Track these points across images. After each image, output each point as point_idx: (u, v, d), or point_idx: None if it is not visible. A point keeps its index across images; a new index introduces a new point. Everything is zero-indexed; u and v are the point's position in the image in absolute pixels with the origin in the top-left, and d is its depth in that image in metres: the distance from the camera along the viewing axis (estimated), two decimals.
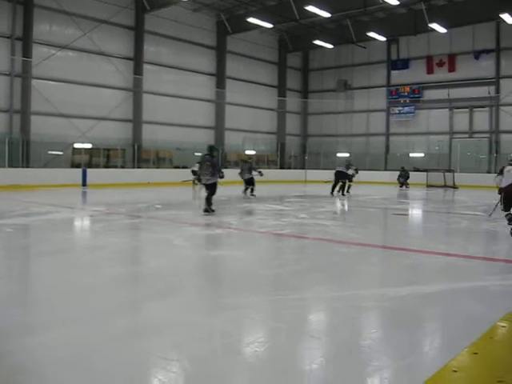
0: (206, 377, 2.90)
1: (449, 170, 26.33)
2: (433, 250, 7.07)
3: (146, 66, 26.31)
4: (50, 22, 22.80)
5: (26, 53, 21.91)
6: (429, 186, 25.82)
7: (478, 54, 28.83)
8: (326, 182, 21.25)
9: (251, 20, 25.90)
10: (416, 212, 14.95)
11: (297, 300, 4.46)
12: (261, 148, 32.64)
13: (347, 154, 32.93)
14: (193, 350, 3.26)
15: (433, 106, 30.84)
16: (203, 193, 11.90)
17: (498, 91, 28.38)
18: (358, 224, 11.20)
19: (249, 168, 17.24)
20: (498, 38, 28.05)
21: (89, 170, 22.21)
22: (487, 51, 28.51)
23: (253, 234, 9.02)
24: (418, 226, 11.63)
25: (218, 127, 30.41)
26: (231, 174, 16.74)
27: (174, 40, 27.67)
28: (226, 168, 20.66)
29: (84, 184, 21.52)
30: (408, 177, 25.52)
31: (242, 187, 17.16)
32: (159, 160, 27.06)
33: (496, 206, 9.23)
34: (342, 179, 18.42)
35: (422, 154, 31.17)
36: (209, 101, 30.04)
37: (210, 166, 11.02)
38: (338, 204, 15.94)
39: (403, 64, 32.03)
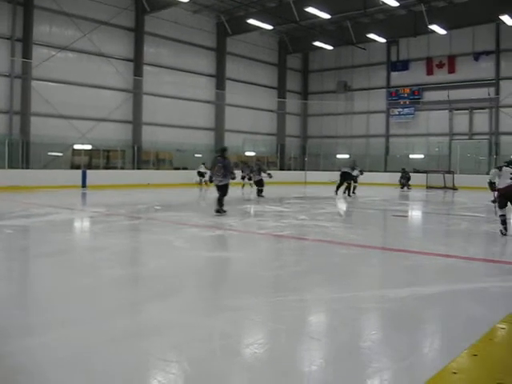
0: (205, 378, 2.90)
1: (448, 172, 26.34)
2: (433, 252, 7.07)
3: (145, 68, 26.32)
4: (49, 24, 22.82)
5: (26, 54, 21.93)
6: (428, 187, 25.84)
7: (477, 56, 28.88)
8: (331, 182, 21.30)
9: (251, 21, 25.93)
10: (416, 213, 14.94)
11: (297, 301, 4.46)
12: (261, 149, 32.64)
13: (347, 156, 32.96)
14: (192, 351, 3.26)
15: (432, 107, 30.87)
16: (208, 194, 11.96)
17: (497, 93, 28.41)
18: (358, 225, 11.21)
19: (258, 169, 17.52)
20: (497, 39, 28.10)
21: (89, 172, 22.21)
22: (487, 53, 28.55)
23: (253, 235, 9.02)
24: (417, 228, 11.63)
25: (218, 128, 30.42)
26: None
27: (174, 41, 27.70)
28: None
29: (84, 185, 21.52)
30: (409, 178, 25.54)
31: (245, 188, 17.26)
32: (159, 161, 27.07)
33: (495, 206, 9.27)
34: (348, 180, 18.53)
35: (421, 156, 31.19)
36: (209, 102, 30.05)
37: (222, 167, 11.22)
38: (338, 205, 15.94)
39: (403, 65, 32.06)
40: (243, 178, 19.10)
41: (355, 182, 19.20)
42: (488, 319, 3.96)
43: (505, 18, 23.64)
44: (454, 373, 2.94)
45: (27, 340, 3.41)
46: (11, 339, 3.42)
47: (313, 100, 36.61)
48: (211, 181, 11.78)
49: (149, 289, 4.94)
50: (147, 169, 25.86)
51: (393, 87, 32.59)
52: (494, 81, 28.49)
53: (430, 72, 30.86)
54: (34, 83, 22.14)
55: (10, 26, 21.57)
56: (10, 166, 20.71)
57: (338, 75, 34.92)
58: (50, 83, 22.90)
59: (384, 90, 32.92)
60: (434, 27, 25.45)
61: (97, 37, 24.23)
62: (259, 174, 17.54)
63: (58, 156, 23.18)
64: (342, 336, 3.67)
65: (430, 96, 30.97)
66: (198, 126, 29.26)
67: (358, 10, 25.36)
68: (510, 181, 8.61)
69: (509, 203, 8.81)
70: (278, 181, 27.76)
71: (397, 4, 23.14)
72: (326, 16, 24.56)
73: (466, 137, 29.78)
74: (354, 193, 19.04)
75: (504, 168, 8.85)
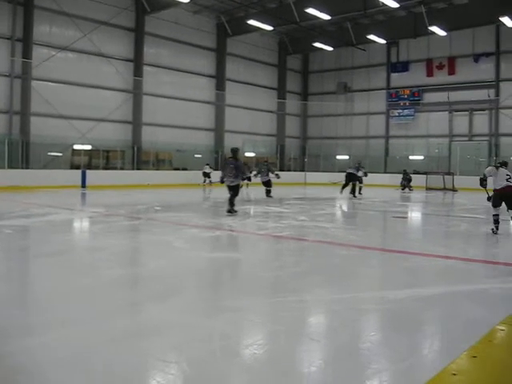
0: (204, 379, 2.90)
1: (448, 173, 26.34)
2: (432, 253, 7.07)
3: (145, 68, 26.33)
4: (50, 24, 22.83)
5: (26, 54, 21.93)
6: (428, 188, 25.84)
7: (477, 57, 28.90)
8: (334, 183, 21.31)
9: (251, 22, 25.96)
10: (415, 215, 14.95)
11: (296, 302, 4.46)
12: (260, 150, 32.65)
13: (347, 157, 33.00)
14: (192, 352, 3.26)
15: (432, 108, 30.89)
16: (213, 194, 12.02)
17: (497, 94, 28.43)
18: (358, 226, 11.21)
19: (267, 170, 17.68)
20: (497, 41, 28.12)
21: (88, 172, 22.21)
22: (487, 54, 28.57)
23: (252, 236, 9.02)
24: (417, 229, 11.63)
25: (218, 129, 30.43)
26: None
27: (174, 42, 27.71)
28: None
29: (83, 185, 21.52)
30: (410, 179, 25.53)
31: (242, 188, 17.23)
32: (159, 162, 27.07)
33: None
34: (353, 181, 18.70)
35: (421, 157, 31.20)
36: (208, 103, 30.06)
37: (234, 168, 11.54)
38: (338, 207, 15.95)
39: (403, 67, 32.08)
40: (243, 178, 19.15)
41: (360, 182, 19.42)
42: (488, 321, 3.96)
43: (505, 20, 23.68)
44: (454, 374, 2.94)
45: (27, 340, 3.41)
46: (11, 339, 3.42)
47: (313, 101, 36.63)
48: (222, 181, 11.98)
49: (148, 289, 4.94)
50: (147, 169, 25.87)
51: (393, 88, 32.61)
52: (494, 82, 28.51)
53: (429, 73, 30.88)
54: (33, 83, 22.14)
55: (10, 25, 21.58)
56: (10, 166, 20.72)
57: (338, 76, 34.94)
58: (50, 83, 22.90)
59: (384, 91, 32.95)
60: (434, 28, 25.48)
61: (97, 37, 24.24)
62: (267, 175, 17.73)
63: (57, 156, 23.19)
64: (342, 337, 3.67)
65: (429, 97, 30.99)
66: (198, 127, 29.26)
67: (358, 11, 25.39)
68: (506, 182, 8.77)
69: (503, 203, 9.01)
70: (278, 182, 27.75)
71: (397, 5, 23.16)
72: (326, 17, 24.59)
73: (466, 138, 29.80)
74: (360, 193, 19.33)
75: (500, 169, 9.00)
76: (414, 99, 31.54)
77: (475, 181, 10.33)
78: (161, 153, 26.90)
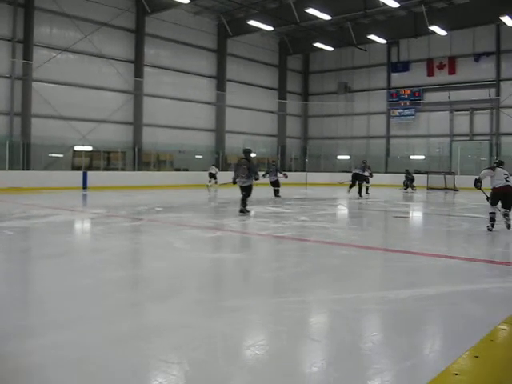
0: (205, 379, 2.90)
1: (449, 173, 26.31)
2: (433, 253, 7.06)
3: (146, 69, 26.35)
4: (50, 25, 22.85)
5: (27, 55, 21.95)
6: (429, 188, 25.82)
7: (478, 57, 28.89)
8: (341, 183, 21.30)
9: (252, 23, 25.96)
10: (417, 214, 14.94)
11: (297, 303, 4.45)
12: (261, 150, 32.63)
13: (348, 157, 32.98)
14: (193, 353, 3.26)
15: (433, 108, 30.88)
16: (218, 194, 12.05)
17: (498, 93, 28.42)
18: (359, 226, 11.21)
19: (275, 170, 17.80)
20: (498, 40, 28.11)
21: (89, 173, 22.23)
22: (487, 54, 28.55)
23: (253, 236, 9.02)
24: (418, 229, 11.62)
25: (219, 130, 30.43)
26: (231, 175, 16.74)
27: (174, 43, 27.72)
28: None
29: (84, 186, 21.54)
30: (413, 179, 25.51)
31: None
32: (160, 162, 27.07)
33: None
34: (360, 181, 18.81)
35: (422, 157, 31.18)
36: (209, 103, 30.07)
37: (247, 169, 11.78)
38: (339, 207, 15.94)
39: (403, 66, 32.07)
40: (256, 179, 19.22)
41: (367, 182, 19.48)
42: (489, 320, 3.95)
43: (505, 19, 23.67)
44: (455, 374, 2.93)
45: (27, 341, 3.40)
46: (12, 340, 3.42)
47: (313, 101, 36.62)
48: (235, 182, 12.19)
49: (149, 290, 4.94)
50: (148, 170, 25.88)
51: (393, 88, 32.59)
52: (495, 82, 28.50)
53: (430, 73, 30.86)
54: (34, 85, 22.16)
55: (11, 27, 21.60)
56: (11, 168, 20.74)
57: (339, 76, 34.93)
58: (51, 85, 22.92)
59: (384, 91, 32.93)
60: (435, 28, 25.47)
61: (97, 38, 24.26)
62: (275, 175, 17.81)
63: (58, 157, 23.20)
64: (343, 337, 3.66)
65: (430, 97, 30.97)
66: (199, 128, 29.27)
67: (358, 11, 25.41)
68: (505, 181, 8.83)
69: (500, 202, 9.12)
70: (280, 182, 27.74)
71: (397, 5, 23.16)
72: (326, 17, 24.59)
73: (467, 138, 29.78)
74: (367, 193, 19.44)
75: (497, 169, 9.07)
76: (414, 99, 31.52)
77: None
78: (162, 154, 26.89)
